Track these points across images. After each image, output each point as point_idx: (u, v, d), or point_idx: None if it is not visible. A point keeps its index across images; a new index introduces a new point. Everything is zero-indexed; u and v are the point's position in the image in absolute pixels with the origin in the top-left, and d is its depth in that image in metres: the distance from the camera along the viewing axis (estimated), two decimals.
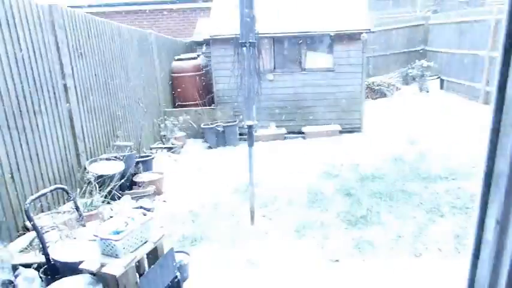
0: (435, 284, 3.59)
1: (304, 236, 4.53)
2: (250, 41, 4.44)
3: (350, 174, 6.56)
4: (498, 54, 1.46)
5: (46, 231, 3.55)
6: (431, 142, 8.13)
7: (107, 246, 3.09)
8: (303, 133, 9.27)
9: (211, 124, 8.88)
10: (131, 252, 3.15)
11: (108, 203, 4.83)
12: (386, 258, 4.03)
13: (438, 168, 6.57)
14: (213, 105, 9.40)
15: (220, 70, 9.01)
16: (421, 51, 14.81)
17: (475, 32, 11.34)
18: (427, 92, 13.50)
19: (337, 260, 4.03)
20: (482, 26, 10.91)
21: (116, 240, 3.01)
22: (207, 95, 10.15)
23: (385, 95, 13.71)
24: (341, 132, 9.23)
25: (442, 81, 13.44)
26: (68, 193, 3.67)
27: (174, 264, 3.53)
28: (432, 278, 3.68)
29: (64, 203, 4.66)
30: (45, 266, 3.33)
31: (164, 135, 8.55)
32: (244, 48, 4.48)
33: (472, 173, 6.24)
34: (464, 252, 4.02)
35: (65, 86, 4.98)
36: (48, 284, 3.24)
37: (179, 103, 9.74)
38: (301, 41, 8.97)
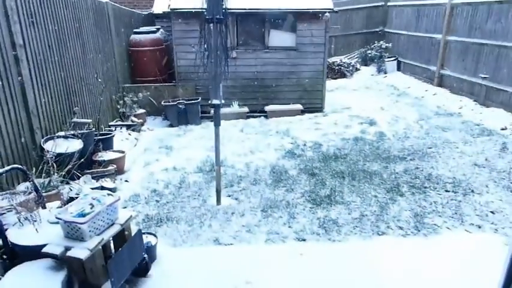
0: (398, 260, 3.76)
1: (271, 216, 4.58)
2: (218, 17, 4.30)
3: (313, 154, 6.67)
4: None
5: (2, 213, 3.35)
6: (390, 123, 8.40)
7: (72, 229, 2.96)
8: (265, 112, 9.28)
9: (173, 101, 8.67)
10: (97, 235, 3.05)
11: (67, 183, 4.63)
12: (351, 237, 4.16)
13: (397, 148, 6.83)
14: (174, 81, 9.16)
15: (182, 46, 8.75)
16: (380, 32, 15.11)
17: (431, 16, 11.70)
18: (385, 73, 13.88)
19: (304, 240, 4.12)
20: (439, 9, 11.27)
21: (81, 223, 2.90)
22: (167, 71, 9.86)
23: (344, 75, 13.96)
24: (303, 111, 9.32)
25: (399, 62, 13.85)
26: (25, 173, 3.46)
27: (142, 246, 3.47)
28: (395, 256, 3.85)
29: (19, 183, 4.41)
30: (2, 250, 3.15)
31: (123, 113, 8.26)
32: (211, 25, 4.34)
33: (429, 153, 6.54)
34: (424, 231, 4.24)
35: (15, 57, 4.63)
36: (5, 269, 3.08)
37: (138, 79, 9.40)
38: (264, 19, 8.86)
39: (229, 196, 5.15)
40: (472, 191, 5.15)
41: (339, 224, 4.38)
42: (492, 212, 4.60)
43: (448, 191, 5.16)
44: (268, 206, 4.81)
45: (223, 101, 4.66)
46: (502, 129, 7.67)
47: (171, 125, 8.64)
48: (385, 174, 5.70)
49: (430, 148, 6.82)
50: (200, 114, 8.87)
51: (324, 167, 6.02)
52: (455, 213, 4.61)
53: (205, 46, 4.44)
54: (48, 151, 4.60)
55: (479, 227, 4.32)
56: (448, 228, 4.31)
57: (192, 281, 3.49)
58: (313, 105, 9.49)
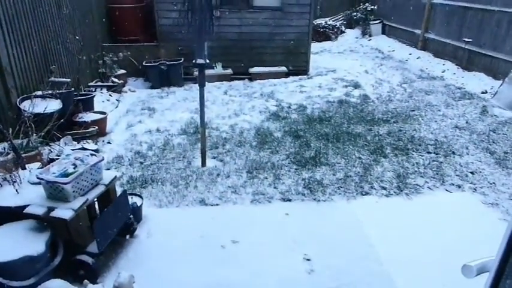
0: (382, 219, 3.84)
1: (256, 177, 4.58)
2: None
3: (298, 116, 6.65)
4: None
5: None
6: (374, 86, 8.39)
7: (55, 189, 2.88)
8: (249, 74, 9.13)
9: (154, 62, 8.42)
10: (82, 195, 2.98)
11: (47, 144, 4.49)
12: (336, 197, 4.22)
13: (381, 111, 6.85)
14: (156, 42, 8.86)
15: (163, 3, 8.39)
16: None
17: None
18: (370, 36, 13.73)
19: (289, 200, 4.15)
20: None
21: (64, 183, 2.82)
22: (149, 30, 9.50)
23: (329, 38, 13.76)
24: (288, 74, 9.21)
25: (384, 25, 13.70)
26: (2, 132, 3.32)
27: (128, 206, 3.42)
28: (378, 214, 3.93)
29: None
30: None
31: (103, 73, 7.99)
32: None
33: (412, 116, 6.59)
34: (406, 191, 4.31)
35: None
36: None
37: (119, 38, 9.04)
38: None
39: (215, 158, 5.12)
40: (453, 152, 5.24)
41: (323, 185, 4.42)
42: (472, 173, 4.71)
43: (430, 153, 5.24)
44: (254, 167, 4.80)
45: (207, 61, 4.52)
46: (483, 92, 7.76)
47: (152, 87, 8.45)
48: (369, 137, 5.74)
49: (413, 111, 6.86)
50: (183, 75, 8.67)
51: (309, 129, 6.01)
52: (437, 173, 4.70)
53: (188, 3, 4.24)
54: (25, 111, 4.42)
55: (459, 187, 4.42)
56: (429, 188, 4.40)
57: (179, 241, 3.50)
58: (298, 67, 9.37)
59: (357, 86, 8.39)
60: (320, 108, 7.02)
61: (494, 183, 4.50)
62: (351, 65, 10.27)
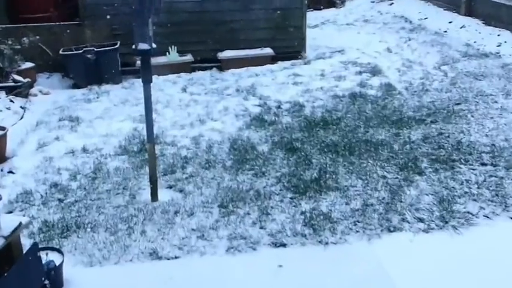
0: (419, 268, 3.84)
1: (233, 213, 4.57)
2: None
3: (292, 120, 6.68)
4: None
5: None
6: (401, 71, 8.51)
7: None
8: (219, 61, 9.18)
9: (77, 49, 8.39)
10: None
11: None
12: (351, 236, 4.22)
13: (411, 107, 6.93)
14: (78, 19, 8.84)
15: None
16: None
17: None
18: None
19: (283, 245, 4.15)
20: None
21: None
22: (66, 2, 9.48)
23: (333, 4, 13.99)
24: (275, 58, 9.29)
25: None
26: None
27: (40, 267, 3.37)
28: (414, 260, 3.93)
29: None
30: None
31: (0, 68, 7.92)
32: None
33: (456, 111, 6.69)
34: (453, 222, 4.34)
35: None
36: None
37: (21, 16, 8.99)
38: None
39: (171, 187, 5.11)
40: None
41: (332, 220, 4.42)
42: None
43: (486, 165, 5.30)
44: (229, 198, 4.79)
45: (154, 46, 4.54)
46: None
47: (76, 85, 8.42)
48: (396, 145, 5.79)
49: (458, 104, 6.95)
50: (120, 67, 8.66)
51: (308, 139, 6.04)
52: (496, 195, 4.74)
53: None
54: None
55: None
56: (486, 216, 4.44)
57: None
58: (290, 48, 9.47)
59: (375, 71, 8.48)
60: (324, 107, 7.05)
61: None
62: (366, 41, 10.40)
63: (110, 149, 6.01)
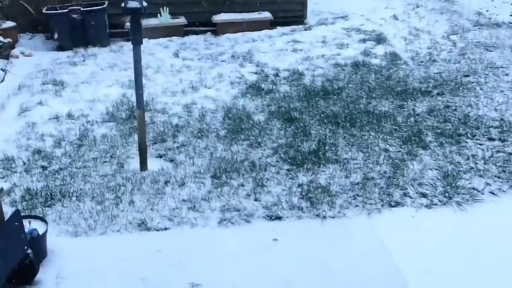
0: (422, 246, 3.90)
1: (227, 184, 4.60)
2: None
3: (290, 88, 6.70)
4: None
5: None
6: (407, 40, 8.50)
7: None
8: (213, 25, 9.14)
9: (62, 8, 8.32)
10: None
11: None
12: (350, 211, 4.27)
13: (417, 78, 6.96)
14: None
15: None
16: None
17: None
18: None
19: (279, 218, 4.18)
20: None
21: None
22: None
23: None
24: (273, 23, 9.29)
25: None
26: None
27: (23, 236, 3.40)
28: (416, 236, 3.99)
29: None
30: None
31: None
32: None
33: (465, 84, 6.71)
34: (458, 198, 4.39)
35: None
36: None
37: None
38: None
39: (161, 157, 5.13)
40: None
41: (331, 193, 4.46)
42: None
43: (493, 139, 5.35)
44: (223, 169, 4.82)
45: (145, 4, 4.50)
46: None
47: (60, 47, 8.40)
48: (400, 117, 5.82)
49: (466, 76, 6.98)
50: (108, 29, 8.61)
51: (307, 109, 6.06)
52: (503, 171, 4.79)
53: None
54: None
55: None
56: (492, 193, 4.49)
57: None
58: (290, 13, 9.46)
59: (380, 39, 8.50)
60: (324, 76, 7.07)
61: None
62: (371, 7, 10.37)
63: (97, 116, 6.02)
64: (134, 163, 4.95)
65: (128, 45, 8.33)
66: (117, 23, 8.69)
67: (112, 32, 8.73)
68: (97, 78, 7.21)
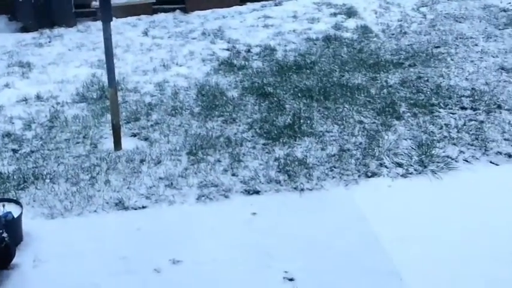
0: (397, 210, 3.96)
1: (203, 161, 4.60)
2: None
3: (263, 64, 6.71)
4: None
5: None
6: (378, 13, 8.55)
7: None
8: (182, 2, 9.06)
9: None
10: None
11: None
12: (327, 182, 4.30)
13: (389, 50, 7.01)
14: None
15: None
16: None
17: None
18: None
19: (257, 192, 4.20)
20: None
21: None
22: None
23: None
24: (243, 0, 9.20)
25: None
26: None
27: None
28: (392, 204, 4.05)
29: None
30: None
31: None
32: None
33: (436, 55, 6.79)
34: (432, 167, 4.46)
35: None
36: None
37: None
38: None
39: (135, 136, 5.10)
40: (499, 106, 5.46)
41: (308, 166, 4.49)
42: None
43: (465, 108, 5.43)
44: (199, 146, 4.81)
45: None
46: None
47: (24, 29, 8.26)
48: (373, 89, 5.86)
49: (437, 47, 7.05)
50: (74, 9, 8.48)
51: (281, 83, 6.06)
52: (476, 139, 4.88)
53: None
54: None
55: (510, 156, 4.63)
56: (466, 161, 4.57)
57: (87, 269, 3.46)
58: None
59: (351, 13, 8.52)
60: (297, 50, 7.08)
61: None
62: None
63: (67, 97, 5.95)
64: (108, 143, 4.91)
65: (96, 25, 8.25)
66: (83, 3, 8.56)
67: (78, 12, 8.58)
68: (65, 59, 7.11)
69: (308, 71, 6.40)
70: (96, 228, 3.85)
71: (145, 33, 7.98)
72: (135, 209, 4.04)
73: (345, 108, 5.46)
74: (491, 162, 4.57)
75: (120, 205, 4.08)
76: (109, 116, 5.03)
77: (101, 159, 4.68)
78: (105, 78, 5.95)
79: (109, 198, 4.15)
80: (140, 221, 3.91)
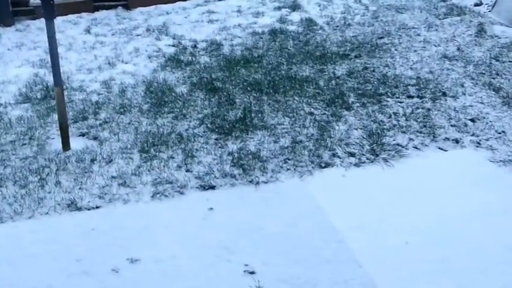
0: (353, 202, 4.04)
1: (156, 158, 4.56)
2: None
3: (210, 59, 6.70)
4: None
5: None
6: (321, 5, 8.65)
7: None
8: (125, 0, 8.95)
9: None
10: None
11: None
12: (282, 174, 4.34)
13: (335, 42, 7.10)
14: None
15: None
16: None
17: None
18: None
19: (212, 187, 4.21)
20: None
21: None
22: None
23: None
24: None
25: None
26: None
27: None
28: (347, 194, 4.13)
29: None
30: None
31: None
32: None
33: (380, 45, 6.92)
34: (384, 155, 4.55)
35: None
36: None
37: None
38: None
39: (84, 135, 5.03)
40: (444, 93, 5.61)
41: (262, 159, 4.51)
42: (472, 120, 5.10)
43: (412, 97, 5.56)
44: (150, 143, 4.77)
45: None
46: (476, 4, 8.34)
47: None
48: (321, 81, 5.93)
49: (381, 38, 7.19)
50: (11, 7, 8.25)
51: (230, 78, 6.07)
52: (424, 126, 5.00)
53: None
54: None
55: (457, 142, 4.77)
56: (416, 147, 4.69)
57: (41, 273, 3.40)
58: None
59: (295, 6, 8.59)
60: (243, 45, 7.09)
61: (503, 132, 4.90)
62: None
63: (9, 97, 5.81)
64: (56, 143, 4.82)
65: (35, 24, 8.08)
66: (20, 1, 8.33)
67: (15, 11, 8.34)
68: (4, 59, 6.92)
69: (256, 64, 6.41)
70: (49, 231, 3.77)
71: (88, 31, 7.83)
72: (89, 209, 3.99)
73: (295, 101, 5.50)
74: (439, 148, 4.70)
75: (73, 206, 4.01)
76: (55, 116, 4.95)
77: (49, 160, 4.58)
78: (48, 78, 5.89)
79: (61, 199, 4.08)
80: (94, 221, 3.86)
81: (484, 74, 6.05)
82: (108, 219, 3.90)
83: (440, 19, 7.81)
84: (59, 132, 4.77)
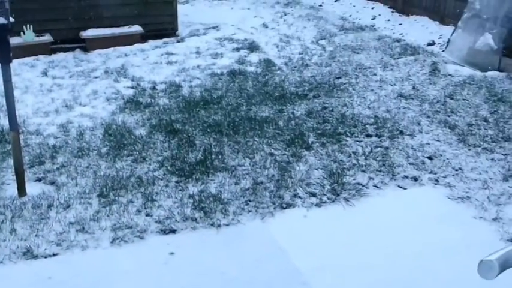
0: (315, 243, 4.03)
1: (115, 202, 4.49)
2: None
3: (169, 101, 6.69)
4: None
5: None
6: (279, 47, 8.80)
7: None
8: (83, 41, 8.90)
9: None
10: None
11: None
12: (244, 216, 4.33)
13: (293, 82, 7.20)
14: None
15: None
16: None
17: None
18: None
19: (173, 231, 4.16)
20: None
21: None
22: None
23: None
24: (145, 37, 9.23)
25: None
26: None
27: None
28: (309, 235, 4.13)
29: None
30: None
31: None
32: None
33: (338, 85, 7.04)
34: (345, 194, 4.59)
35: None
36: None
37: None
38: None
39: (40, 180, 4.92)
40: (401, 132, 5.72)
41: (223, 201, 4.49)
42: (429, 158, 5.20)
43: (370, 136, 5.66)
44: (109, 187, 4.70)
45: (12, 20, 4.32)
46: (429, 44, 8.63)
47: None
48: (281, 121, 5.98)
49: (338, 78, 7.33)
50: None
51: (189, 119, 6.07)
52: (383, 164, 5.08)
53: None
54: None
55: (416, 180, 4.85)
56: (376, 186, 4.75)
57: None
58: (160, 25, 9.47)
59: (253, 47, 8.69)
60: (202, 86, 7.13)
61: (460, 168, 5.01)
62: (240, 17, 10.61)
63: None
64: (11, 189, 4.69)
65: None
66: None
67: None
68: None
69: (215, 106, 6.44)
70: (3, 281, 3.66)
71: (45, 74, 7.74)
72: (45, 257, 3.88)
73: (255, 141, 5.52)
74: (399, 186, 4.77)
75: (29, 254, 3.89)
76: (10, 161, 4.85)
77: (4, 206, 4.45)
78: (3, 122, 5.76)
79: (16, 247, 3.95)
80: (51, 270, 3.76)
81: (439, 112, 6.20)
82: (65, 267, 3.80)
83: (395, 59, 8.03)
84: (14, 177, 4.66)
